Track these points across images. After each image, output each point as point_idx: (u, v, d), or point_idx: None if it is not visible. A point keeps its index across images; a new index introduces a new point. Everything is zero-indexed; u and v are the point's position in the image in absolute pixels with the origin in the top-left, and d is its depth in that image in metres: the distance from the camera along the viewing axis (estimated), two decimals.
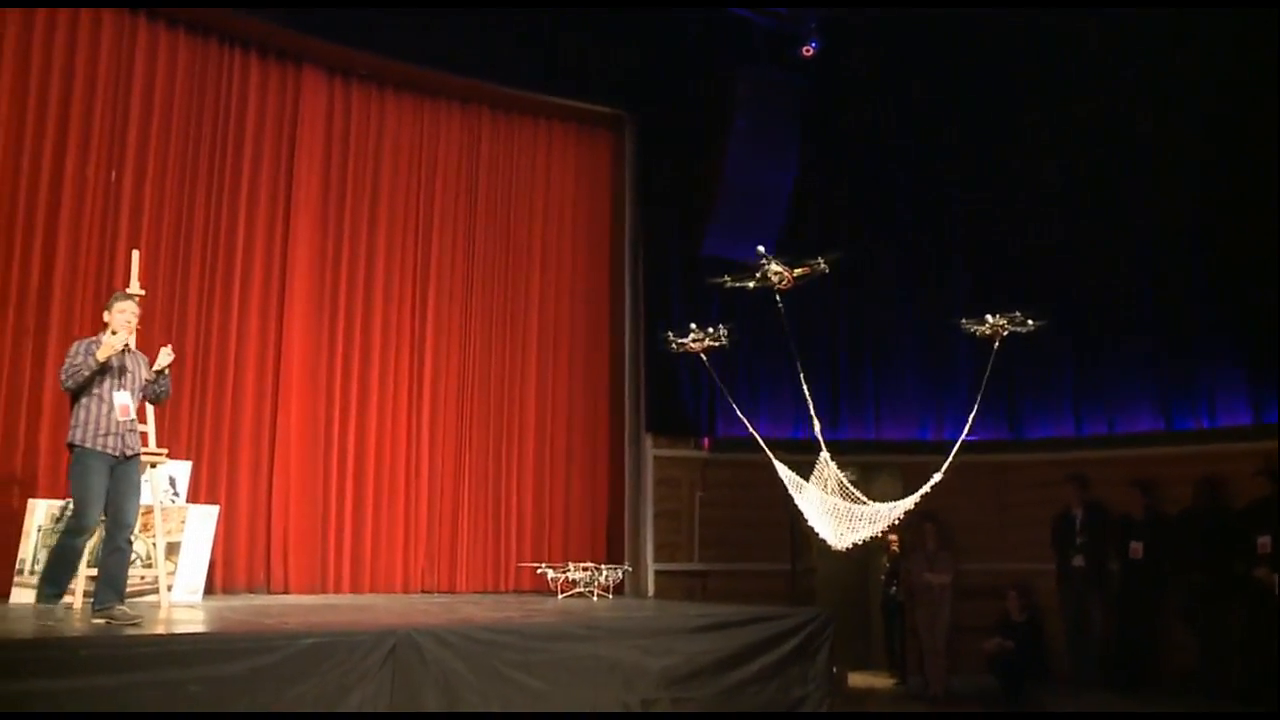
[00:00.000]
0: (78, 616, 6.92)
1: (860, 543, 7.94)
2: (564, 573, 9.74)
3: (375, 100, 10.73)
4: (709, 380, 11.63)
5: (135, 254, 7.59)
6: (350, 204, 10.45)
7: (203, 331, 9.52)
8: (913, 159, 11.98)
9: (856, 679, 10.27)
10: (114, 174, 9.12)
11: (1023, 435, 11.64)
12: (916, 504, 7.79)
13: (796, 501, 8.30)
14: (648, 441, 11.37)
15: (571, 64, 11.28)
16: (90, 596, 6.51)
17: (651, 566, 11.10)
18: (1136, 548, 9.99)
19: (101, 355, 6.28)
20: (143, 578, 7.82)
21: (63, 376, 6.26)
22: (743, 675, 7.52)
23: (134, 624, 6.03)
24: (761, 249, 7.96)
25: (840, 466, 11.68)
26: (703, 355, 8.74)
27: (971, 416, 7.97)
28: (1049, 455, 11.17)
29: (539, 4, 10.74)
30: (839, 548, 7.98)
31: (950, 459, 7.82)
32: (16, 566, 7.77)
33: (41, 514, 7.88)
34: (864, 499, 7.91)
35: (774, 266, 7.88)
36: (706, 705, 7.25)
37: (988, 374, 7.97)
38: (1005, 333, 7.84)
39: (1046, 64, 11.36)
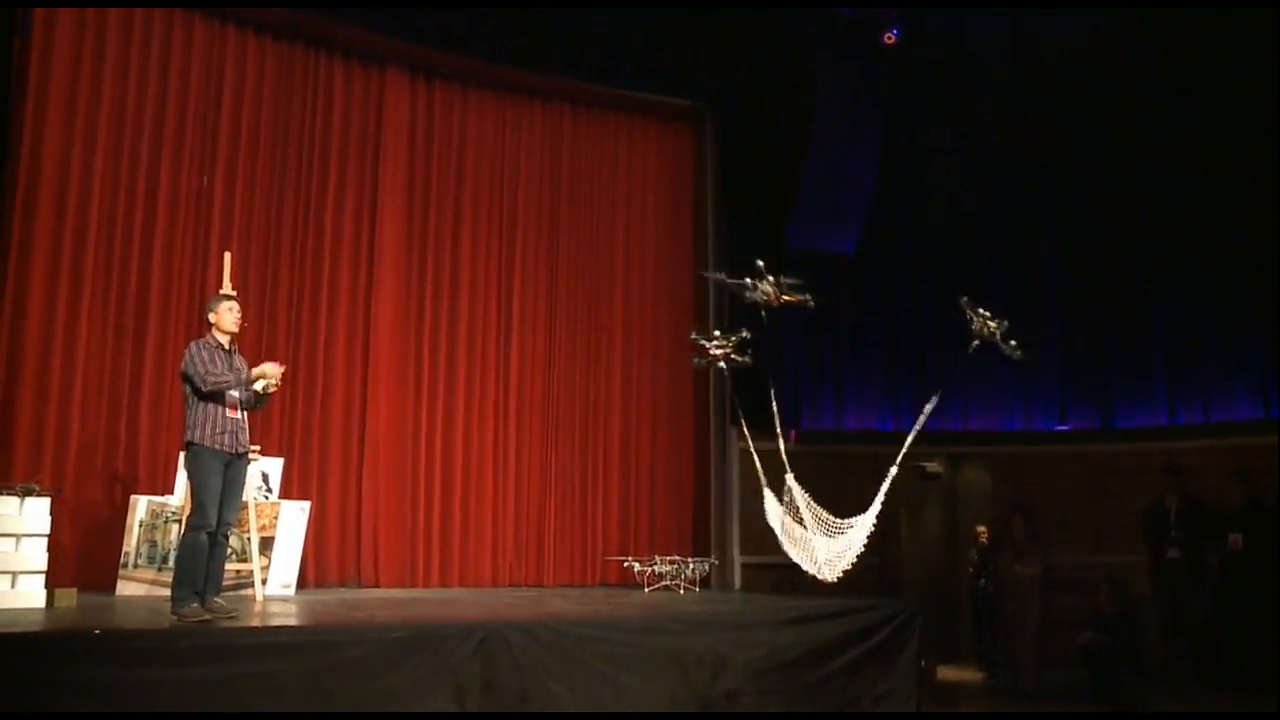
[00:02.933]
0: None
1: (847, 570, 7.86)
2: (650, 566, 9.77)
3: (458, 100, 10.85)
4: (794, 372, 11.64)
5: (227, 256, 7.77)
6: (435, 203, 10.58)
7: (293, 330, 9.72)
8: (999, 145, 11.78)
9: (945, 673, 10.13)
10: (206, 178, 9.35)
11: (1113, 425, 11.42)
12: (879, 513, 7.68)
13: (782, 543, 8.31)
14: (733, 434, 11.35)
15: (651, 59, 11.29)
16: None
17: (738, 559, 11.09)
18: (1236, 540, 9.74)
19: (256, 372, 6.61)
20: (238, 572, 8.02)
21: (202, 381, 6.33)
22: (829, 668, 7.47)
23: (230, 617, 6.20)
24: (760, 263, 8.09)
25: (927, 457, 11.63)
26: (722, 364, 8.86)
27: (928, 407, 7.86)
28: (1141, 445, 10.95)
29: (618, 2, 10.76)
30: (828, 580, 7.94)
31: (904, 449, 7.76)
32: (121, 560, 8.03)
33: (143, 509, 8.11)
34: (830, 521, 7.86)
35: (765, 286, 8.05)
36: (792, 698, 7.22)
37: (958, 367, 7.83)
38: (990, 336, 7.73)
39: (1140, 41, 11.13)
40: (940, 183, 11.89)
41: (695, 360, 9.34)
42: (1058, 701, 9.76)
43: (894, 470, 7.80)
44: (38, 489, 7.01)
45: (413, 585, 9.91)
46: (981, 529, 11.26)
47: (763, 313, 8.46)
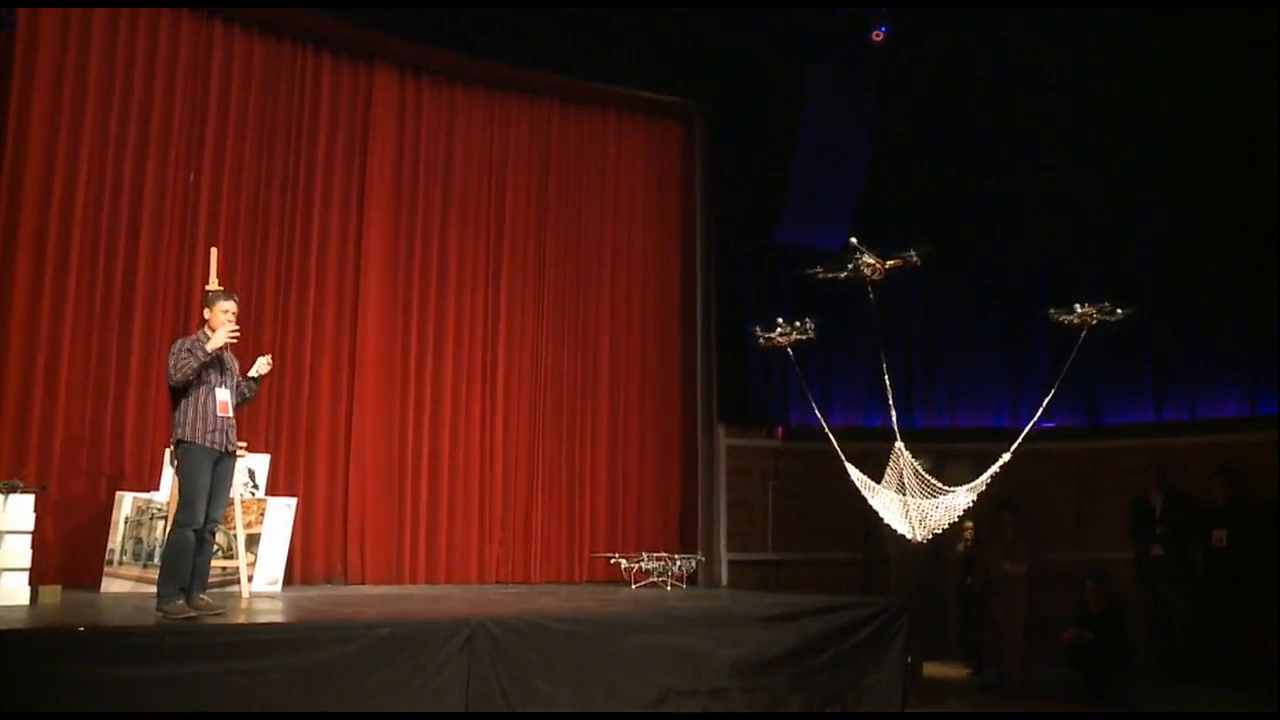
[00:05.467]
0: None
1: (938, 532, 7.91)
2: (637, 563, 9.78)
3: (446, 96, 10.83)
4: (781, 369, 11.63)
5: (214, 252, 7.74)
6: (422, 199, 10.56)
7: (279, 326, 9.69)
8: (990, 142, 11.78)
9: (931, 669, 10.16)
10: (193, 174, 9.32)
11: (1101, 422, 11.44)
12: (988, 485, 7.70)
13: (870, 502, 8.29)
14: (720, 431, 11.36)
15: (639, 55, 11.29)
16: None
17: (725, 556, 11.11)
18: (1220, 536, 9.79)
19: (210, 347, 6.40)
20: (224, 569, 8.00)
21: (171, 372, 6.36)
22: (815, 664, 7.49)
23: (217, 614, 6.19)
24: (854, 240, 7.95)
25: (914, 454, 11.64)
26: (789, 350, 8.78)
27: (1046, 401, 7.84)
28: (1128, 442, 10.98)
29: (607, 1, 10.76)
30: (917, 540, 7.96)
31: (1019, 440, 7.72)
32: (106, 557, 8.00)
33: (129, 506, 8.09)
34: (938, 485, 7.86)
35: (867, 258, 7.89)
36: (778, 694, 7.25)
37: (1069, 363, 7.83)
38: (1094, 321, 7.69)
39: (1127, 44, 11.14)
40: (929, 178, 11.89)
41: (760, 343, 9.24)
42: (1044, 698, 9.79)
43: (1006, 456, 7.75)
44: (22, 485, 7.00)
45: (399, 582, 9.90)
46: (968, 526, 11.27)
47: (870, 292, 8.29)
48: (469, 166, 10.85)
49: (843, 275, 8.11)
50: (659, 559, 9.81)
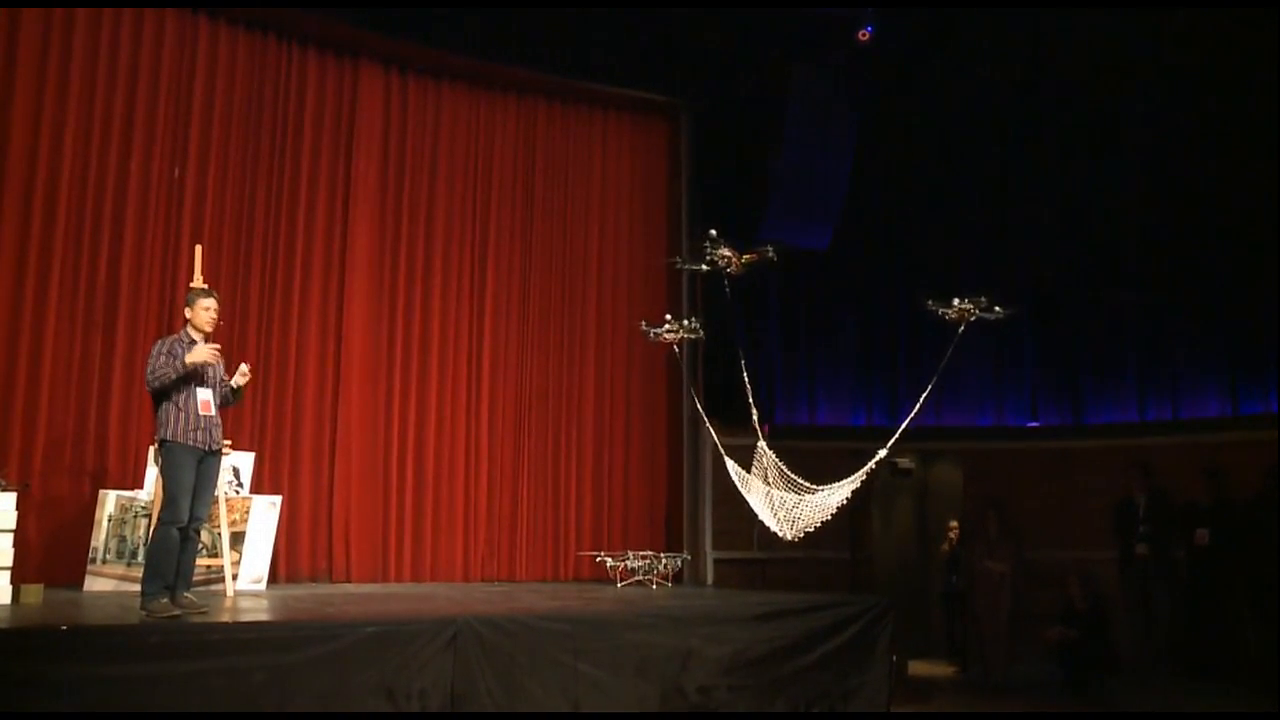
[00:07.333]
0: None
1: (811, 530, 7.92)
2: (623, 561, 9.77)
3: (432, 93, 10.80)
4: (768, 368, 11.65)
5: (198, 249, 7.70)
6: (408, 196, 10.54)
7: (264, 324, 9.67)
8: (974, 141, 11.80)
9: (916, 667, 10.19)
10: (178, 171, 9.29)
11: (1085, 421, 11.49)
12: (857, 489, 7.72)
13: (744, 496, 8.32)
14: (706, 429, 11.34)
15: (625, 53, 11.27)
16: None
17: (710, 554, 11.11)
18: (1202, 535, 9.81)
19: (190, 359, 6.35)
20: (208, 567, 7.97)
21: (150, 378, 6.34)
22: (801, 663, 7.48)
23: (201, 613, 6.16)
24: (713, 232, 8.07)
25: (899, 454, 11.65)
26: (675, 347, 8.86)
27: (924, 397, 7.82)
28: (1112, 441, 11.03)
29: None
30: (788, 538, 7.98)
31: (896, 436, 7.73)
32: (90, 555, 7.96)
33: (112, 504, 8.05)
34: (807, 485, 7.89)
35: (723, 250, 8.02)
36: (763, 693, 7.24)
37: (948, 356, 7.81)
38: (972, 317, 7.69)
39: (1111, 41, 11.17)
40: (914, 179, 11.91)
41: (650, 337, 9.22)
42: (1028, 695, 9.81)
43: (882, 452, 7.75)
44: (4, 484, 6.96)
45: (384, 580, 9.88)
46: (953, 524, 11.31)
47: (726, 284, 8.41)
48: (455, 164, 10.83)
49: (704, 268, 8.24)
50: (645, 557, 9.81)
